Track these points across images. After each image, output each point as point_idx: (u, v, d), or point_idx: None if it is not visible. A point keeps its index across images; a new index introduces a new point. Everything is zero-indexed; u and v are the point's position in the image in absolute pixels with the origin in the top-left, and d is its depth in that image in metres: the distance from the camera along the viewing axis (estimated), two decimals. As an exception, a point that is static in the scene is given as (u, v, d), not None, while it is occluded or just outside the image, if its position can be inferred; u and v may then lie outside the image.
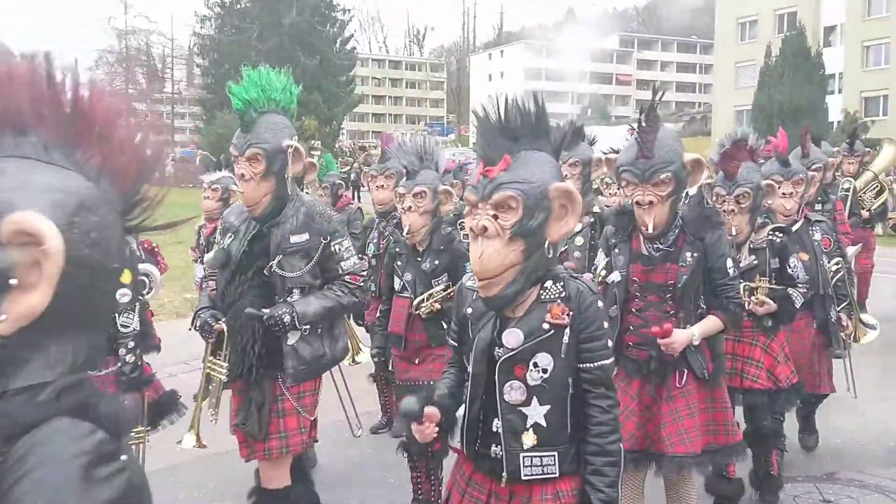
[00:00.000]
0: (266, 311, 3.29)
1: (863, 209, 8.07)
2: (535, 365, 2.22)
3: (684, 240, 3.34)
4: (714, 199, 4.12)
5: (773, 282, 4.12)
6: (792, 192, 4.67)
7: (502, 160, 2.15)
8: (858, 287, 8.22)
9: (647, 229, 3.28)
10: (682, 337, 3.23)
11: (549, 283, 2.25)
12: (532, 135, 2.21)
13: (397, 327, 4.05)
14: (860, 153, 8.43)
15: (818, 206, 5.91)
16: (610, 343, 2.33)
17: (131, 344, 3.67)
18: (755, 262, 4.14)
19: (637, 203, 3.27)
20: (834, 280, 4.89)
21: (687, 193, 4.43)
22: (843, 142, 8.53)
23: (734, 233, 3.98)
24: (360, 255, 4.82)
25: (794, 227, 4.70)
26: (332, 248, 3.43)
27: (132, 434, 3.31)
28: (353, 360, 4.98)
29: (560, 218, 2.18)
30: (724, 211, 3.98)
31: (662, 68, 77.66)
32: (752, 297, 4.05)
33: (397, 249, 4.20)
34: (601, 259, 3.62)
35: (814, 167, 5.39)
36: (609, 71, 74.97)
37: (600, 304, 2.28)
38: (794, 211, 4.74)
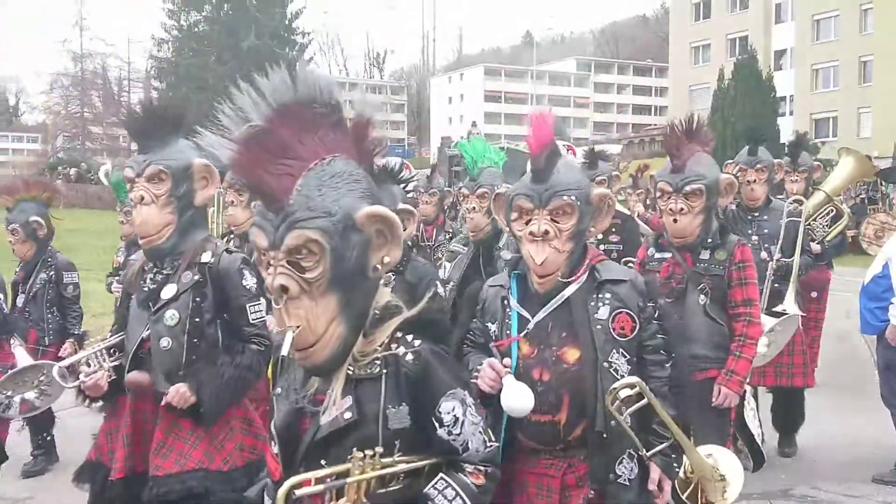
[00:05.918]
0: None
1: (813, 241, 5.88)
2: None
3: None
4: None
5: None
6: (549, 232, 2.40)
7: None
8: (809, 350, 5.59)
9: None
10: None
11: None
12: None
13: None
14: (806, 168, 6.12)
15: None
16: None
17: None
18: None
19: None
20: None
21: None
22: (784, 154, 6.34)
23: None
24: None
25: (567, 293, 2.44)
26: None
27: None
28: None
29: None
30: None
31: (619, 91, 78.70)
32: None
33: None
34: None
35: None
36: (567, 94, 75.74)
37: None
38: (553, 267, 2.42)
